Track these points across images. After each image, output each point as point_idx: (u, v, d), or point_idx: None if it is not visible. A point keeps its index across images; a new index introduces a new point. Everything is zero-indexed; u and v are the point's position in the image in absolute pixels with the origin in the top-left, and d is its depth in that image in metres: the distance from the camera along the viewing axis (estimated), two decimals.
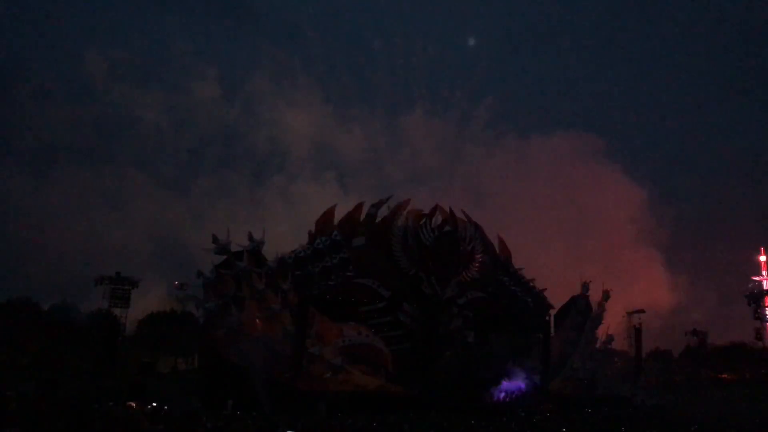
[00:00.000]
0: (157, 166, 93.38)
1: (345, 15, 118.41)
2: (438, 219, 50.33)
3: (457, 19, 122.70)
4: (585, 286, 57.02)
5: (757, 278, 56.72)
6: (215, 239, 40.81)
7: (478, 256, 51.27)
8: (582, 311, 56.60)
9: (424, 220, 49.45)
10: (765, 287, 57.89)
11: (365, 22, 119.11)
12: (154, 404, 27.92)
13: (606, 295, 56.77)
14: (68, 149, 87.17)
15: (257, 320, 40.93)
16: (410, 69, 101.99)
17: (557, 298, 56.35)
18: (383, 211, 49.55)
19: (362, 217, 48.55)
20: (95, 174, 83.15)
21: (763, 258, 57.41)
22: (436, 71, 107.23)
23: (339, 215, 48.03)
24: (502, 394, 46.19)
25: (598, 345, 57.03)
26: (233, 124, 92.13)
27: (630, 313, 59.43)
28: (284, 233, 46.51)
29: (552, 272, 57.19)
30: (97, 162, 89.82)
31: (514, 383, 46.51)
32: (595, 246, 59.37)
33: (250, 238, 42.06)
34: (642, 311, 59.00)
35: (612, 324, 57.81)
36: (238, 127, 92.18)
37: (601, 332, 57.18)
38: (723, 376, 66.54)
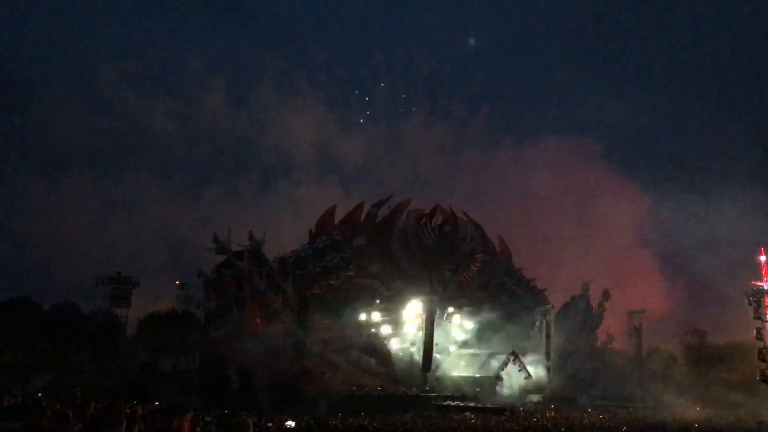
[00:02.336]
0: (168, 172, 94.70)
1: (347, 29, 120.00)
2: (438, 219, 50.39)
3: (454, 31, 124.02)
4: (585, 286, 57.02)
5: (757, 283, 56.91)
6: (216, 239, 40.88)
7: (479, 255, 51.31)
8: (582, 311, 56.60)
9: (424, 220, 49.50)
10: (765, 287, 57.88)
11: (366, 35, 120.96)
12: (156, 403, 27.96)
13: (606, 295, 56.78)
14: (83, 156, 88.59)
15: (258, 320, 41.00)
16: (409, 79, 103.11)
17: (557, 298, 56.40)
18: (383, 211, 49.59)
19: (363, 217, 48.60)
20: (107, 180, 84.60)
21: (763, 258, 57.33)
22: (434, 81, 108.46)
23: (340, 216, 48.06)
24: None
25: (598, 344, 57.05)
26: (240, 132, 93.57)
27: (630, 313, 59.44)
28: (289, 236, 46.63)
29: (552, 272, 57.17)
30: (110, 169, 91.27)
31: None
32: (595, 247, 59.50)
33: (251, 237, 42.12)
34: (642, 311, 59.01)
35: (612, 324, 57.84)
36: (245, 135, 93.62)
37: (601, 332, 57.22)
38: (723, 375, 66.46)
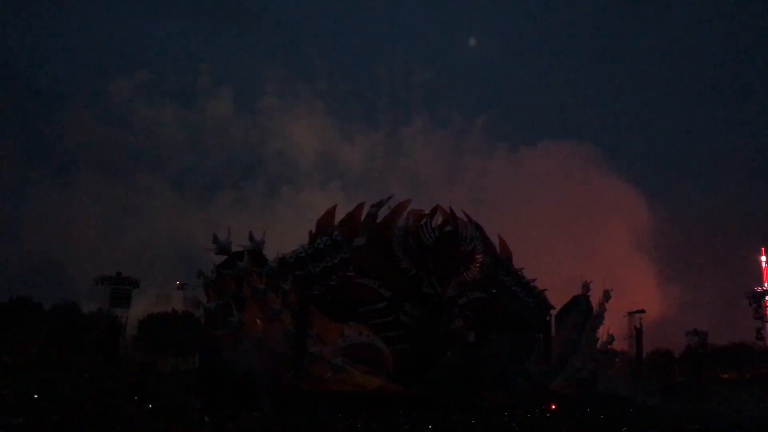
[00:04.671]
0: (178, 179, 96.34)
1: (348, 40, 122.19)
2: (438, 219, 50.31)
3: (452, 41, 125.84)
4: (586, 287, 56.97)
5: (759, 288, 57.08)
6: (216, 239, 40.84)
7: (479, 256, 51.19)
8: (583, 311, 56.56)
9: (424, 220, 49.41)
10: (766, 287, 57.96)
11: (367, 46, 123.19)
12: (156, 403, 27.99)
13: (607, 295, 56.74)
14: (95, 163, 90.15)
15: (258, 320, 40.94)
16: (409, 87, 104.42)
17: (558, 298, 56.35)
18: (384, 212, 49.52)
19: (363, 217, 48.51)
20: (119, 186, 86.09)
21: (763, 258, 57.38)
22: (433, 90, 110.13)
23: (340, 216, 47.95)
24: None
25: (598, 345, 56.99)
26: (247, 140, 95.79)
27: (631, 314, 59.34)
28: (294, 239, 46.79)
29: (553, 273, 57.17)
30: (122, 175, 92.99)
31: None
32: (595, 247, 59.32)
33: (251, 238, 42.08)
34: (642, 311, 58.93)
35: (613, 324, 57.81)
36: (252, 143, 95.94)
37: (601, 332, 57.16)
38: (724, 375, 66.39)
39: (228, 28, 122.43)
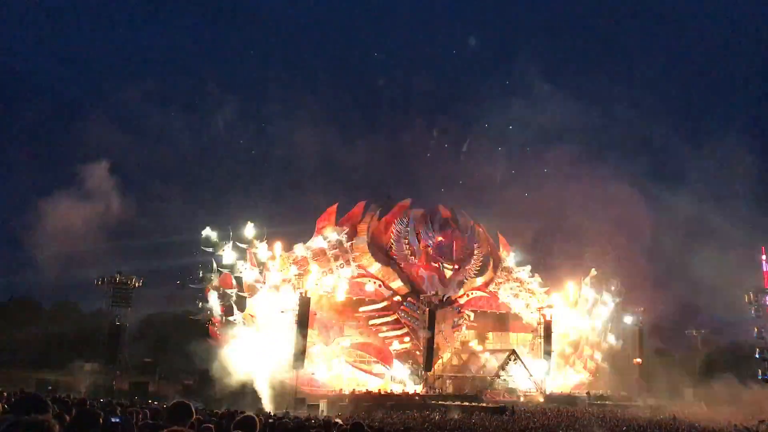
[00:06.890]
0: (184, 184, 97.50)
1: (350, 50, 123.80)
2: (439, 218, 50.35)
3: (453, 42, 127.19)
4: (586, 285, 56.87)
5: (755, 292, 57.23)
6: (216, 238, 40.88)
7: (479, 255, 51.24)
8: (583, 310, 56.48)
9: (425, 219, 49.46)
10: (766, 287, 58.01)
11: (368, 50, 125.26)
12: (156, 402, 27.95)
13: (607, 295, 56.67)
14: (99, 164, 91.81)
15: (258, 320, 41.00)
16: (410, 90, 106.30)
17: (558, 297, 56.18)
18: (384, 211, 49.54)
19: (363, 216, 48.54)
20: (122, 187, 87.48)
21: (764, 257, 57.39)
22: (434, 91, 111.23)
23: (341, 215, 47.94)
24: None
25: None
26: (251, 145, 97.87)
27: (631, 313, 59.23)
28: (294, 239, 46.81)
29: (552, 272, 57.00)
30: (125, 176, 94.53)
31: None
32: (595, 247, 59.24)
33: (251, 237, 42.11)
34: (643, 310, 58.83)
35: (612, 324, 57.64)
36: (255, 148, 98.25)
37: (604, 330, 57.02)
38: (724, 375, 66.31)
39: (231, 33, 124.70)
